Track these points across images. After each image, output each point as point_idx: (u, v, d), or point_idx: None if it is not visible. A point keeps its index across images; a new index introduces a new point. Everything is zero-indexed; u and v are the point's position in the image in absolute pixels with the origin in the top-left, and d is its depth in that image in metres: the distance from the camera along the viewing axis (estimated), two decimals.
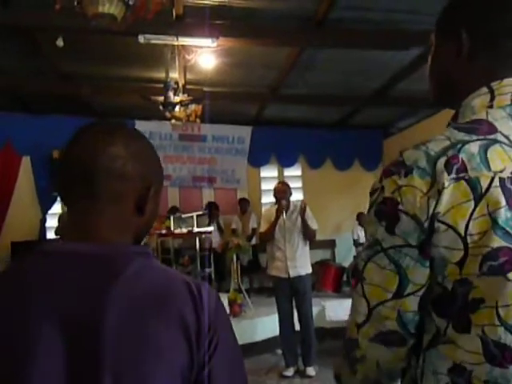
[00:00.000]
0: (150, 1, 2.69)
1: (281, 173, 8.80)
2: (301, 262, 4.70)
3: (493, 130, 0.78)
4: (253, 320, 5.67)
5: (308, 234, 4.72)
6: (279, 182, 5.09)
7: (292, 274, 4.65)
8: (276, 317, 4.86)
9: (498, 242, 0.72)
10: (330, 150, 8.34)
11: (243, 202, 8.04)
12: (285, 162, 8.67)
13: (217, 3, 4.44)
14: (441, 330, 0.77)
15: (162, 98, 5.06)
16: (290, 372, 4.77)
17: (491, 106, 0.82)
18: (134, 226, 0.86)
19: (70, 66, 5.83)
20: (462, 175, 0.74)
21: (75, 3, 2.52)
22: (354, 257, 7.47)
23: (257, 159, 8.42)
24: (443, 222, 0.74)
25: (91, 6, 2.44)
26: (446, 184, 0.74)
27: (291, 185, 8.68)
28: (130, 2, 2.47)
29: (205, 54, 5.11)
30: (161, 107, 5.09)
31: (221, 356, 0.78)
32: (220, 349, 0.78)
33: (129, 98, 6.59)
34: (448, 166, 0.75)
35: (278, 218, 4.66)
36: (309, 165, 8.61)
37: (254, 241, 7.74)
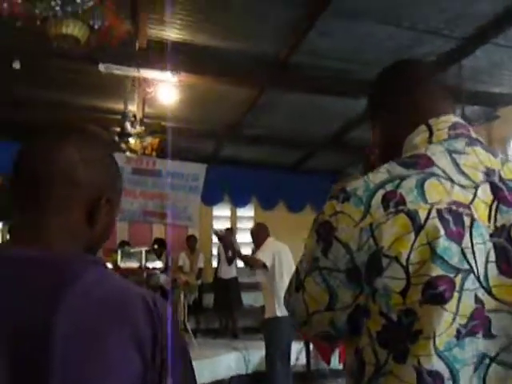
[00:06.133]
0: (115, 28, 2.69)
1: (233, 213, 8.77)
2: (266, 303, 4.62)
3: (430, 163, 0.82)
4: (197, 361, 5.48)
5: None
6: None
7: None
8: (220, 359, 4.66)
9: (436, 270, 0.74)
10: (283, 192, 8.44)
11: (192, 240, 7.87)
12: (238, 202, 8.67)
13: (180, 39, 4.50)
14: (381, 361, 0.78)
15: (118, 129, 4.99)
16: None
17: (431, 142, 0.88)
18: (85, 237, 0.81)
19: (25, 91, 5.69)
20: (401, 208, 0.77)
21: (38, 22, 2.48)
22: None
23: (210, 197, 8.36)
24: (387, 256, 0.76)
25: (55, 27, 2.40)
26: (383, 219, 0.78)
27: (244, 225, 8.82)
28: (96, 26, 2.45)
29: (165, 89, 5.12)
30: (116, 138, 5.01)
31: (175, 373, 0.75)
32: (175, 365, 0.75)
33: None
34: (385, 201, 0.79)
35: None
36: (261, 206, 8.64)
37: (199, 281, 7.60)
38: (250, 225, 8.74)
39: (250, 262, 4.59)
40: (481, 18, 4.03)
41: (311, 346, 5.84)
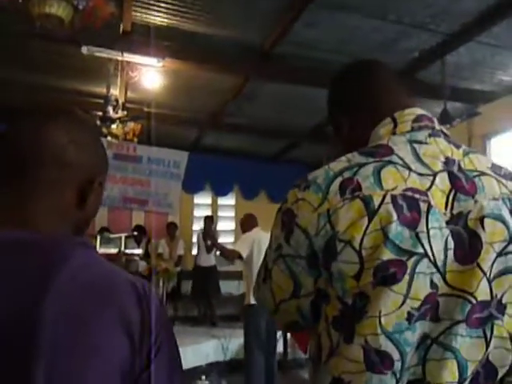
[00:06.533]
0: (99, 8, 2.64)
1: (215, 201, 8.76)
2: (245, 290, 4.60)
3: (389, 152, 0.84)
4: None
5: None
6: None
7: None
8: (199, 347, 4.66)
9: (388, 254, 0.75)
10: (264, 181, 8.45)
11: (172, 227, 7.86)
12: (219, 191, 8.65)
13: (165, 24, 4.45)
14: (334, 344, 0.80)
15: (100, 113, 4.92)
16: None
17: (394, 133, 0.90)
18: (73, 218, 0.80)
19: (5, 72, 5.56)
20: (356, 194, 0.79)
21: (20, 0, 2.41)
22: None
23: (191, 185, 8.34)
24: (341, 240, 0.78)
25: (38, 6, 2.34)
26: (339, 205, 0.79)
27: (225, 214, 8.82)
28: (80, 7, 2.40)
29: (149, 74, 5.06)
30: (98, 122, 4.94)
31: (162, 357, 0.75)
32: (162, 350, 0.75)
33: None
34: (342, 188, 0.80)
35: None
36: (243, 195, 8.65)
37: (178, 268, 7.60)
38: (232, 213, 8.75)
39: (225, 252, 4.61)
40: (465, 16, 4.07)
41: (288, 335, 5.90)
